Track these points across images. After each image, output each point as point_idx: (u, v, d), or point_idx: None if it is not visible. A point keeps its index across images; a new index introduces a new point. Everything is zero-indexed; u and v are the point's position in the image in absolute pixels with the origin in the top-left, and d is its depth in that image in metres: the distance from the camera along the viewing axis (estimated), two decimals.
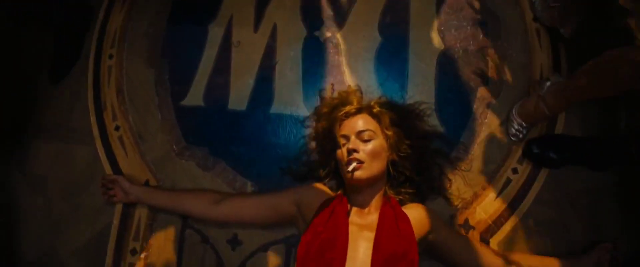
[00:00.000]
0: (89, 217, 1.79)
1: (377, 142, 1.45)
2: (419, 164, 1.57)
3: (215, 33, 1.94)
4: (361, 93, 1.69)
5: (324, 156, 1.62)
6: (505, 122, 1.73)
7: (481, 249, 1.50)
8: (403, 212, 1.43)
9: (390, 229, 1.36)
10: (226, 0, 1.97)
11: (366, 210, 1.45)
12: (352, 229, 1.37)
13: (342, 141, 1.47)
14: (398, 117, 1.55)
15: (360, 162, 1.39)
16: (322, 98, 1.77)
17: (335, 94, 1.70)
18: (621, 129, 1.66)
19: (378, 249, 1.31)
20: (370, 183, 1.45)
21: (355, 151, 1.41)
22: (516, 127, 1.69)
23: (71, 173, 1.85)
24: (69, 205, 1.81)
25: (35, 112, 1.95)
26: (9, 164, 1.89)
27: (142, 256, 1.71)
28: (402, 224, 1.38)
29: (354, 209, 1.46)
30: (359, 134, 1.45)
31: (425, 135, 1.63)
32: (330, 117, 1.57)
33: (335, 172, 1.59)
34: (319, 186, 1.58)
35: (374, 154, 1.42)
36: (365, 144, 1.43)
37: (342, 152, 1.45)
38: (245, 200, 1.64)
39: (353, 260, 1.31)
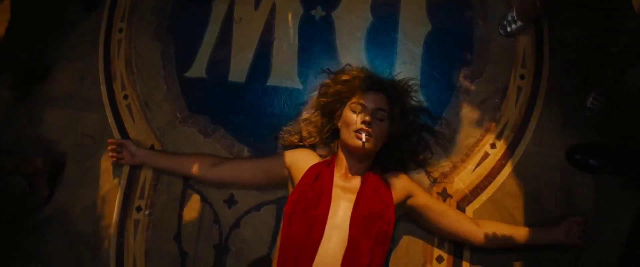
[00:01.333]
0: (97, 179, 1.93)
1: (385, 126, 1.56)
2: (407, 139, 1.70)
3: (218, 10, 2.06)
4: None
5: (325, 118, 1.71)
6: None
7: (456, 215, 1.62)
8: (384, 178, 1.57)
9: (371, 192, 1.50)
10: None
11: (351, 175, 1.57)
12: (335, 190, 1.51)
13: (358, 108, 1.55)
14: (405, 107, 1.68)
15: (369, 136, 1.50)
16: (342, 70, 1.83)
17: (357, 69, 1.78)
18: None
19: (357, 209, 1.45)
20: (368, 155, 1.58)
21: (369, 123, 1.50)
22: (508, 19, 1.84)
23: (82, 138, 1.99)
24: (79, 168, 1.96)
25: (49, 81, 2.10)
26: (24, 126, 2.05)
27: (147, 212, 1.86)
28: (382, 190, 1.52)
29: (339, 173, 1.58)
30: (375, 110, 1.54)
31: (414, 111, 1.74)
32: (349, 83, 1.65)
33: (330, 136, 1.73)
34: (309, 151, 1.71)
35: (380, 134, 1.54)
36: (377, 123, 1.53)
37: (355, 118, 1.53)
38: (241, 164, 1.76)
39: (334, 218, 1.44)
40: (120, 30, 2.11)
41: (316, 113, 1.75)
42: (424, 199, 1.61)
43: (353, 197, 1.49)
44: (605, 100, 1.73)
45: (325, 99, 1.70)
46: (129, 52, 2.07)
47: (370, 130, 1.49)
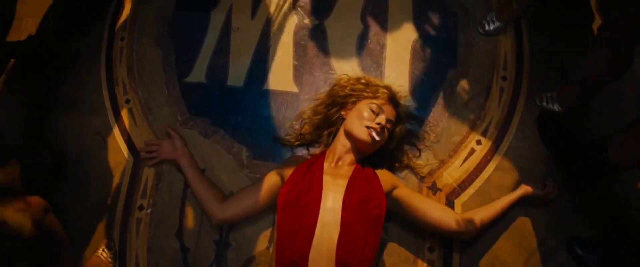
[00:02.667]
0: (100, 179, 1.99)
1: (386, 136, 1.72)
2: (394, 144, 1.83)
3: (216, 19, 2.17)
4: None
5: (333, 109, 1.83)
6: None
7: (436, 204, 1.72)
8: (372, 170, 1.68)
9: (360, 180, 1.60)
10: None
11: (341, 167, 1.68)
12: (326, 178, 1.61)
13: (378, 110, 1.70)
14: (403, 132, 1.84)
15: (382, 137, 1.67)
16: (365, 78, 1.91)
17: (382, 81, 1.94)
18: None
19: (349, 194, 1.54)
20: (366, 153, 1.72)
21: (384, 129, 1.68)
22: (487, 18, 1.99)
23: (85, 141, 2.05)
24: (82, 169, 2.02)
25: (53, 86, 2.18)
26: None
27: (149, 210, 1.92)
28: (370, 179, 1.63)
29: (329, 164, 1.70)
30: (388, 120, 1.70)
31: (402, 119, 1.85)
32: (372, 88, 1.79)
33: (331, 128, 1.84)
34: (296, 157, 1.85)
35: (382, 141, 1.70)
36: (388, 128, 1.71)
37: (373, 116, 1.68)
38: (241, 198, 1.76)
39: (326, 203, 1.53)
40: (122, 39, 2.20)
41: (324, 104, 1.87)
42: (408, 190, 1.72)
43: (344, 183, 1.58)
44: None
45: (342, 92, 1.82)
46: (130, 59, 2.16)
47: (382, 133, 1.67)
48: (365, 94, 1.78)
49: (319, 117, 1.87)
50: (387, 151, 1.82)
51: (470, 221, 1.65)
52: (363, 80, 1.84)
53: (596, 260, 1.69)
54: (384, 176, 1.69)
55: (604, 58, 1.53)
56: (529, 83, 1.96)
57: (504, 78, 1.97)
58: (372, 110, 1.69)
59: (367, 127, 1.65)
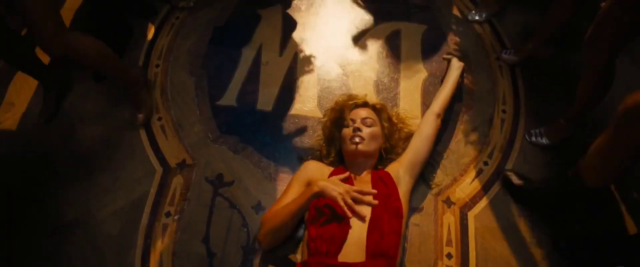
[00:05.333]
0: (126, 187, 2.04)
1: (376, 129, 1.91)
2: (396, 141, 2.03)
3: (247, 54, 2.43)
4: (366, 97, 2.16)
5: (331, 138, 2.02)
6: None
7: (419, 132, 1.97)
8: (384, 171, 1.86)
9: (379, 181, 1.80)
10: (257, 32, 2.52)
11: (360, 176, 1.86)
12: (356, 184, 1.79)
13: (350, 123, 1.90)
14: (392, 117, 2.05)
15: (361, 138, 1.84)
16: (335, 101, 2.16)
17: (347, 94, 2.15)
18: None
19: (376, 196, 1.71)
20: (366, 157, 1.88)
21: (359, 129, 1.86)
22: (472, 12, 2.64)
23: (114, 152, 2.14)
24: (109, 177, 2.07)
25: (83, 101, 2.32)
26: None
27: (176, 217, 1.97)
28: (386, 178, 1.81)
29: (354, 177, 1.86)
30: (363, 119, 1.90)
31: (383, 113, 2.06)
32: (341, 107, 2.00)
33: (339, 151, 2.01)
34: (315, 161, 1.98)
35: (372, 136, 1.88)
36: (367, 128, 1.89)
37: (348, 131, 1.88)
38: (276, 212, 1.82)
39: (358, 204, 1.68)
40: (157, 66, 2.39)
41: (324, 140, 2.07)
42: (405, 154, 1.92)
43: (368, 185, 1.78)
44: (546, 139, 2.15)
45: (327, 130, 2.03)
46: (164, 83, 2.34)
47: (361, 133, 1.84)
48: (339, 120, 2.00)
49: (329, 154, 2.03)
50: (393, 150, 1.99)
51: (439, 111, 2.02)
52: (333, 107, 2.06)
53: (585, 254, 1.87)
54: (392, 170, 1.86)
55: (587, 78, 1.84)
56: (526, 114, 2.27)
57: (503, 111, 2.27)
58: (347, 127, 1.91)
59: (350, 140, 1.85)
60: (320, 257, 1.56)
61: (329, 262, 1.54)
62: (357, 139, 1.83)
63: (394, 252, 1.60)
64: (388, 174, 1.84)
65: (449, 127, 2.22)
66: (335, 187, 1.64)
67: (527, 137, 2.19)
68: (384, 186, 1.77)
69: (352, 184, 1.78)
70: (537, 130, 2.16)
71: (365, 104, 2.02)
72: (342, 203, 1.60)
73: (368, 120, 1.91)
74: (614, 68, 1.76)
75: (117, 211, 1.99)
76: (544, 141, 2.13)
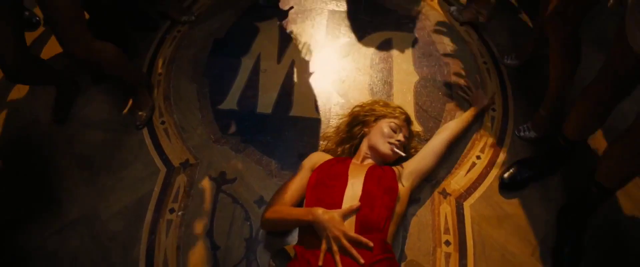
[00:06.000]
0: (131, 186, 2.09)
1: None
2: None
3: (247, 63, 2.54)
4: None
5: (355, 128, 2.10)
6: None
7: (427, 150, 2.06)
8: (388, 166, 1.96)
9: (378, 168, 1.89)
10: (256, 43, 2.65)
11: (365, 165, 1.94)
12: (351, 167, 1.87)
13: (398, 129, 2.03)
14: (414, 137, 2.20)
15: (400, 148, 1.98)
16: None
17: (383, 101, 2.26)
18: None
19: (371, 172, 1.82)
20: (387, 160, 1.99)
21: (403, 145, 2.01)
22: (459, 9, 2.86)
23: (118, 153, 2.20)
24: (114, 177, 2.12)
25: (87, 107, 2.40)
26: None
27: (180, 213, 2.01)
28: (386, 169, 1.91)
29: (355, 162, 1.96)
30: (405, 136, 2.04)
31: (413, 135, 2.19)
32: (392, 111, 2.10)
33: (345, 149, 2.09)
34: (322, 153, 2.07)
35: (404, 155, 2.01)
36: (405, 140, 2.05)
37: (393, 134, 2.00)
38: (282, 194, 1.90)
39: (351, 184, 1.77)
40: (160, 74, 2.49)
41: (346, 123, 2.15)
42: (409, 164, 2.00)
43: (365, 171, 1.85)
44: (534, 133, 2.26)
45: (363, 112, 2.13)
46: (167, 90, 2.43)
47: (399, 146, 1.98)
48: (385, 113, 2.10)
49: (342, 135, 2.14)
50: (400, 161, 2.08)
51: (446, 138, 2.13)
52: (381, 103, 2.19)
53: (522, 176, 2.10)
54: (395, 169, 1.96)
55: (556, 53, 1.93)
56: (514, 113, 2.38)
57: (493, 109, 2.38)
58: (392, 129, 2.01)
59: (389, 143, 1.96)
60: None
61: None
62: (399, 151, 1.97)
63: (384, 225, 1.67)
64: (389, 167, 1.93)
65: (442, 125, 2.32)
66: (332, 227, 1.57)
67: (516, 133, 2.29)
68: (383, 170, 1.86)
69: (347, 161, 1.91)
70: (525, 125, 2.27)
71: (410, 123, 2.16)
72: (325, 248, 1.56)
73: (405, 140, 2.04)
74: (579, 40, 1.88)
75: (121, 209, 2.03)
76: (532, 134, 2.24)
